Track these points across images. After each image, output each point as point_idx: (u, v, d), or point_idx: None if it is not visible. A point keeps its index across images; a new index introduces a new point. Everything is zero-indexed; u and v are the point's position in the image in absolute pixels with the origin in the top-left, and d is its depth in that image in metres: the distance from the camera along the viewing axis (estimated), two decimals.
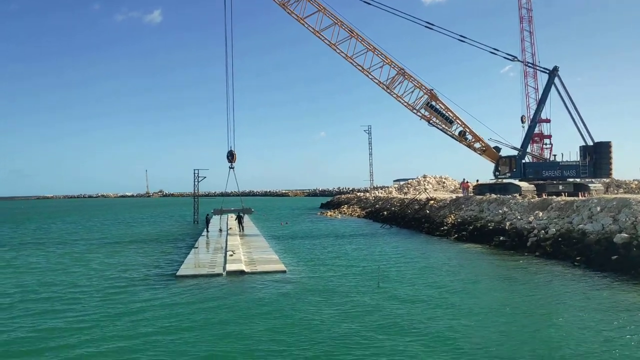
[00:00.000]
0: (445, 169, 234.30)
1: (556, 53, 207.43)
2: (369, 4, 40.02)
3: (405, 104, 42.05)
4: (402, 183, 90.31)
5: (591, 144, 41.79)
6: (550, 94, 43.08)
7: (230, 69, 38.73)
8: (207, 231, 40.15)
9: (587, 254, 23.41)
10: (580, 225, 26.16)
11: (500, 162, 43.95)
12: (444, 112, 42.42)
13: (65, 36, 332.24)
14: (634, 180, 53.17)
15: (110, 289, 19.98)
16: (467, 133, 43.20)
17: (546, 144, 61.91)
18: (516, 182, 41.66)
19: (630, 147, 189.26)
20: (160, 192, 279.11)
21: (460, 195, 49.20)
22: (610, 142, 41.84)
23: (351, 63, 40.95)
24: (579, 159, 42.39)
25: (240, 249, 29.21)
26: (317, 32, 40.18)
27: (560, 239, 26.35)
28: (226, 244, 31.43)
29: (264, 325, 14.37)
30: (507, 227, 31.52)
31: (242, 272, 22.20)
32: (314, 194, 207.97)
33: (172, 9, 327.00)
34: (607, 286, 18.75)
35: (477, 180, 51.55)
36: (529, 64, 56.58)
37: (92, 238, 42.94)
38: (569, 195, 35.96)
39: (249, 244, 33.24)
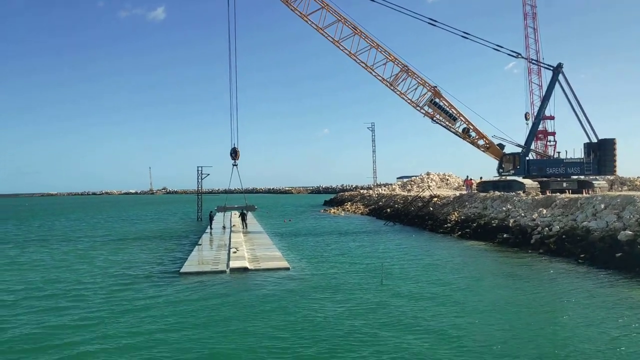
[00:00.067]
0: (449, 166, 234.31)
1: (559, 51, 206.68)
2: (373, 0, 39.93)
3: (409, 101, 41.98)
4: (405, 180, 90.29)
5: (595, 141, 41.61)
6: (555, 91, 42.95)
7: (234, 67, 38.81)
8: (211, 228, 40.20)
9: (591, 252, 23.36)
10: (585, 223, 26.09)
11: (504, 159, 43.82)
12: (447, 109, 42.33)
13: (69, 33, 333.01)
14: (638, 177, 53.06)
15: (115, 286, 20.03)
16: (470, 130, 43.11)
17: (550, 141, 61.69)
18: (520, 179, 41.59)
19: (634, 144, 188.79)
20: (164, 189, 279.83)
21: (464, 192, 49.14)
22: (614, 139, 41.63)
23: (354, 60, 40.91)
24: (583, 156, 42.23)
25: (244, 246, 29.25)
26: (321, 29, 40.12)
27: (564, 237, 26.29)
28: (229, 241, 31.46)
29: (267, 322, 14.38)
30: (510, 225, 31.45)
31: (245, 269, 22.23)
32: (317, 191, 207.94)
33: (176, 6, 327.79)
34: (611, 284, 18.70)
35: (481, 178, 51.44)
36: (533, 61, 56.41)
37: (96, 235, 43.06)
38: (573, 193, 35.89)
39: (253, 241, 33.28)
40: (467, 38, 41.30)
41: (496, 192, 40.58)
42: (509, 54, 42.36)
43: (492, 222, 33.94)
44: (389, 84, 41.41)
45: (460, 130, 42.95)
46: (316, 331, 13.44)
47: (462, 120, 42.80)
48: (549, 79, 44.02)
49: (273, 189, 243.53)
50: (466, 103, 79.62)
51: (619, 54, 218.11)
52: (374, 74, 41.23)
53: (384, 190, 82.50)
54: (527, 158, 43.48)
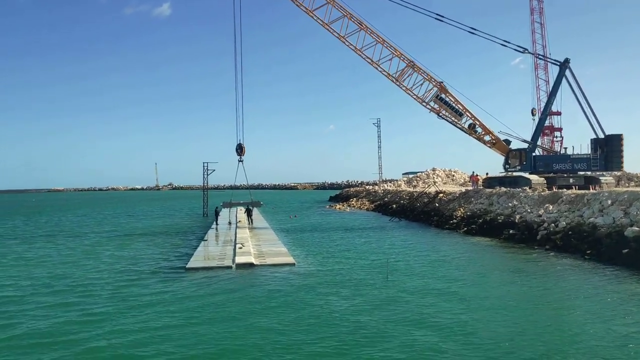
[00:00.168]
0: (455, 162, 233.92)
1: (567, 46, 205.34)
2: None
3: (415, 96, 41.86)
4: (411, 176, 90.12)
5: (602, 136, 41.36)
6: (561, 86, 42.66)
7: (239, 63, 38.85)
8: (217, 224, 40.33)
9: (598, 248, 23.25)
10: (591, 219, 25.96)
11: (510, 155, 43.66)
12: (453, 104, 42.18)
13: (74, 30, 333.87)
14: None
15: (121, 281, 20.12)
16: (476, 126, 42.96)
17: (557, 137, 61.55)
18: (526, 175, 41.42)
19: None
20: (170, 185, 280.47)
21: (470, 188, 48.99)
22: (621, 134, 41.39)
23: (360, 55, 40.80)
24: (589, 151, 41.98)
25: (250, 242, 29.30)
26: (326, 24, 40.02)
27: (570, 233, 26.17)
28: (235, 237, 31.53)
29: (273, 317, 14.41)
30: (517, 221, 31.34)
31: (251, 265, 22.28)
32: (322, 187, 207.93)
33: (181, 2, 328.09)
34: (618, 280, 18.61)
35: (487, 174, 51.30)
36: (540, 56, 56.12)
37: (102, 231, 43.27)
38: (579, 189, 35.68)
39: (258, 236, 33.34)
40: (474, 34, 41.11)
41: (502, 188, 40.43)
42: (515, 50, 42.17)
43: (498, 218, 33.84)
44: (394, 80, 41.29)
45: (466, 126, 42.80)
46: (322, 327, 13.45)
47: (468, 116, 42.65)
48: (555, 74, 43.85)
49: (278, 184, 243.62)
50: (472, 99, 79.20)
51: (627, 50, 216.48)
52: (379, 69, 41.12)
53: (390, 186, 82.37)
54: (534, 154, 43.26)
